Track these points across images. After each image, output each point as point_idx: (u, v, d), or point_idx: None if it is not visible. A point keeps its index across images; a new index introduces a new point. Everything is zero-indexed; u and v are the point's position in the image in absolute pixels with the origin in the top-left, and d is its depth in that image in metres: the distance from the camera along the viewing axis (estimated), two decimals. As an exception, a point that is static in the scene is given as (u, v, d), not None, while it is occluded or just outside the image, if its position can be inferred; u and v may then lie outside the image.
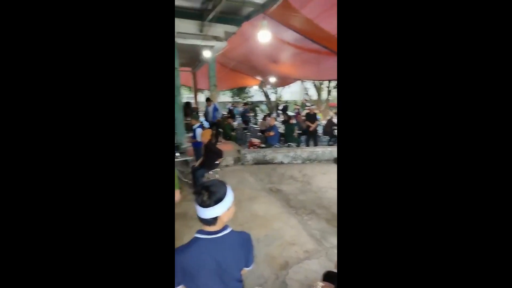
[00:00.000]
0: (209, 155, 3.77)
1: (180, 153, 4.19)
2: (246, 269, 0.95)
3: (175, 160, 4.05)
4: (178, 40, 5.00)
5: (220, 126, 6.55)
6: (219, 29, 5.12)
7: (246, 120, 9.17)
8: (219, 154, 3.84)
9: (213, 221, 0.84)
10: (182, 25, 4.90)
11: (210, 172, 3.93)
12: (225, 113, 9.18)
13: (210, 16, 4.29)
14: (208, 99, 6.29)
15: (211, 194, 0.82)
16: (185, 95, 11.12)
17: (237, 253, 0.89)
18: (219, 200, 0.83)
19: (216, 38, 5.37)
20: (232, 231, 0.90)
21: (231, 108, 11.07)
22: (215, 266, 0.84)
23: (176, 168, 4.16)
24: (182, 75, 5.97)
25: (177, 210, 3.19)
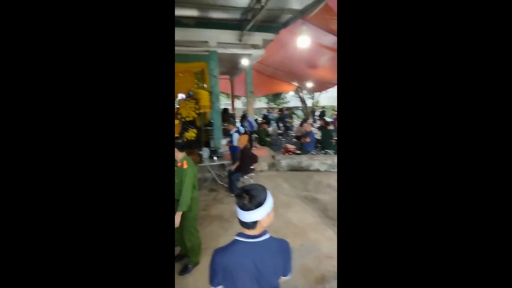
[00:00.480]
0: (244, 160, 3.84)
1: (218, 157, 4.36)
2: (283, 278, 0.93)
3: (213, 163, 4.23)
4: (218, 50, 5.29)
5: (255, 132, 6.66)
6: (257, 37, 5.25)
7: (286, 126, 9.23)
8: (254, 159, 3.89)
9: (253, 225, 0.84)
10: (222, 36, 5.18)
11: (245, 177, 4.00)
12: (260, 118, 9.30)
13: (249, 26, 4.43)
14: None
15: (252, 198, 0.83)
16: (223, 102, 11.65)
17: (275, 260, 0.87)
18: (259, 204, 0.83)
19: (254, 46, 5.52)
20: (271, 237, 0.89)
21: (266, 114, 11.16)
22: (254, 270, 0.84)
23: (213, 171, 4.36)
24: (221, 82, 6.27)
25: (213, 212, 3.32)
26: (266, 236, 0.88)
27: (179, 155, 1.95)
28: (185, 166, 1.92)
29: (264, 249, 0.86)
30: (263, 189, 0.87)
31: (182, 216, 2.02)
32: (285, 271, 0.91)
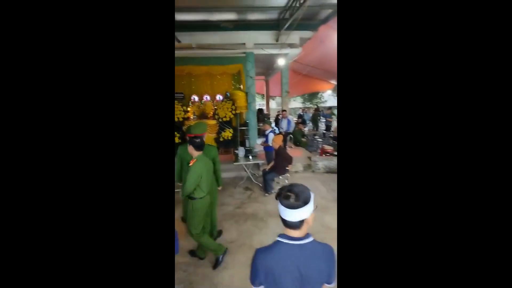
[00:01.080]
0: (279, 160, 3.81)
1: (252, 156, 4.42)
2: (327, 285, 0.88)
3: (248, 162, 4.30)
4: (255, 51, 5.35)
5: (291, 132, 6.57)
6: (295, 36, 5.17)
7: (327, 126, 9.01)
8: (289, 159, 3.83)
9: (300, 224, 0.82)
10: (259, 37, 5.24)
11: (280, 177, 3.96)
12: (295, 118, 9.15)
13: (287, 25, 4.39)
14: (283, 111, 6.48)
15: (298, 196, 0.81)
16: (257, 102, 11.79)
17: (319, 265, 0.83)
18: (306, 201, 0.81)
19: (291, 46, 5.44)
20: (314, 240, 0.86)
21: (302, 113, 10.91)
22: (298, 275, 0.81)
23: (248, 170, 4.43)
24: (256, 83, 6.34)
25: (248, 210, 3.37)
26: (310, 239, 0.85)
27: (194, 153, 2.03)
28: (191, 164, 2.00)
29: (308, 252, 0.82)
30: (305, 187, 0.85)
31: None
32: (329, 278, 0.86)
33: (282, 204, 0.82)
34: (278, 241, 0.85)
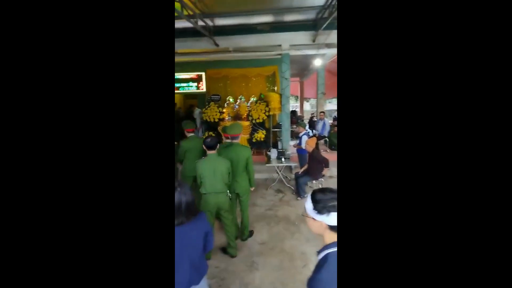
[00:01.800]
0: (313, 164, 3.69)
1: (285, 158, 4.36)
2: None
3: (280, 164, 4.25)
4: (291, 52, 5.30)
5: (324, 136, 6.32)
6: (333, 35, 4.97)
7: None
8: (324, 163, 3.67)
9: None
10: (295, 38, 5.16)
11: (314, 182, 3.83)
12: (331, 121, 8.78)
13: (325, 24, 4.24)
14: (322, 112, 6.37)
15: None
16: (291, 104, 11.64)
17: None
18: None
19: (328, 46, 5.25)
20: None
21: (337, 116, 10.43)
22: None
23: (280, 173, 4.38)
24: (291, 85, 6.26)
25: (279, 213, 3.33)
26: None
27: (207, 152, 2.22)
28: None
29: None
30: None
31: None
32: None
33: (336, 212, 0.78)
34: (330, 253, 0.77)
